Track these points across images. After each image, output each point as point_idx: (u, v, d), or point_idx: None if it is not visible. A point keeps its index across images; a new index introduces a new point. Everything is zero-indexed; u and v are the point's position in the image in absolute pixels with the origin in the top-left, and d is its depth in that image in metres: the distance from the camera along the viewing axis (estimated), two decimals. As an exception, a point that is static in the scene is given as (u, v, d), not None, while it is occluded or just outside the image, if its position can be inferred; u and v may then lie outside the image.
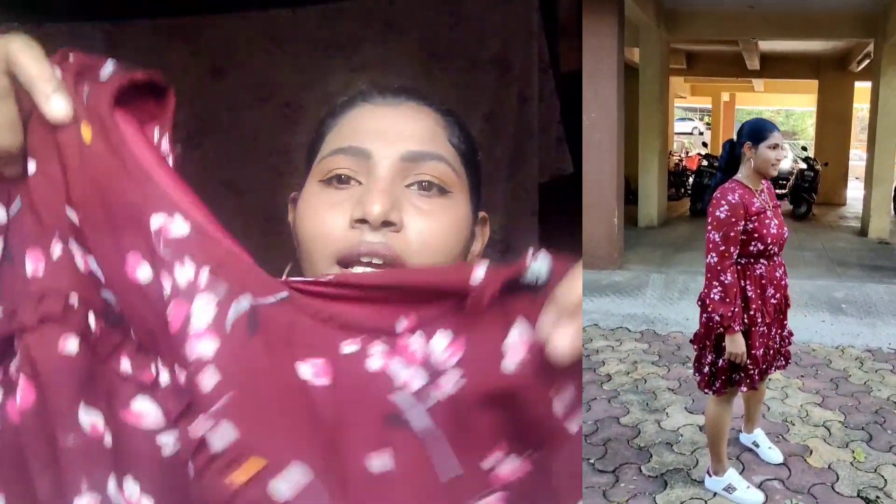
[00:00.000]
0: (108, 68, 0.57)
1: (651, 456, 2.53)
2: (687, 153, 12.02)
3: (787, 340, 2.22)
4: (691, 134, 18.43)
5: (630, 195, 8.06)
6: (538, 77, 2.03)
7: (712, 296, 1.95)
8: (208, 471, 0.53)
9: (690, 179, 9.56)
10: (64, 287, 0.55)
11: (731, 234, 1.94)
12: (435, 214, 0.71)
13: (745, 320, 1.99)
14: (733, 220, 1.93)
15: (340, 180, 0.72)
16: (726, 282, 1.93)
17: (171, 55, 1.98)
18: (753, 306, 2.00)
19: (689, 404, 3.01)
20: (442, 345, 0.57)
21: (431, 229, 0.70)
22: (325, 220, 0.70)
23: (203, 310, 0.54)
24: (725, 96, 14.96)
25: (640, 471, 2.42)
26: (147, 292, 0.55)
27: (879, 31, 7.08)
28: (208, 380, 0.54)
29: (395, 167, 0.71)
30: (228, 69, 2.01)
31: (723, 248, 1.94)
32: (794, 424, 2.80)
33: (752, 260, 2.01)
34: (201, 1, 1.99)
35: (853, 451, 2.57)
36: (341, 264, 0.68)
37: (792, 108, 20.09)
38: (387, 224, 0.68)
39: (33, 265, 0.55)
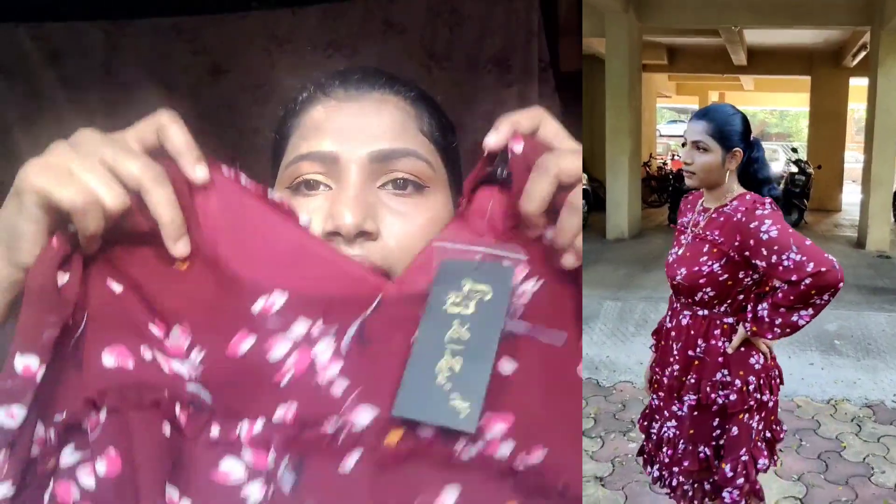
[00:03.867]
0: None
1: None
2: (673, 156, 11.36)
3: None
4: (683, 136, 17.74)
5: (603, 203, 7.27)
6: (538, 77, 2.02)
7: None
8: (351, 439, 0.60)
9: (675, 185, 8.79)
10: (157, 384, 0.61)
11: None
12: (413, 215, 0.68)
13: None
14: None
15: (309, 186, 0.69)
16: None
17: (171, 55, 2.00)
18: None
19: None
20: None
21: (411, 232, 0.67)
22: None
23: (324, 349, 0.62)
24: (714, 96, 14.25)
25: None
26: (250, 360, 0.62)
27: (876, 16, 6.30)
28: (337, 387, 0.61)
29: (364, 169, 0.68)
30: (228, 68, 2.03)
31: None
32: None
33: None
34: (201, 1, 2.00)
35: None
36: None
37: (786, 108, 19.32)
38: (362, 234, 0.65)
39: (119, 360, 0.60)
